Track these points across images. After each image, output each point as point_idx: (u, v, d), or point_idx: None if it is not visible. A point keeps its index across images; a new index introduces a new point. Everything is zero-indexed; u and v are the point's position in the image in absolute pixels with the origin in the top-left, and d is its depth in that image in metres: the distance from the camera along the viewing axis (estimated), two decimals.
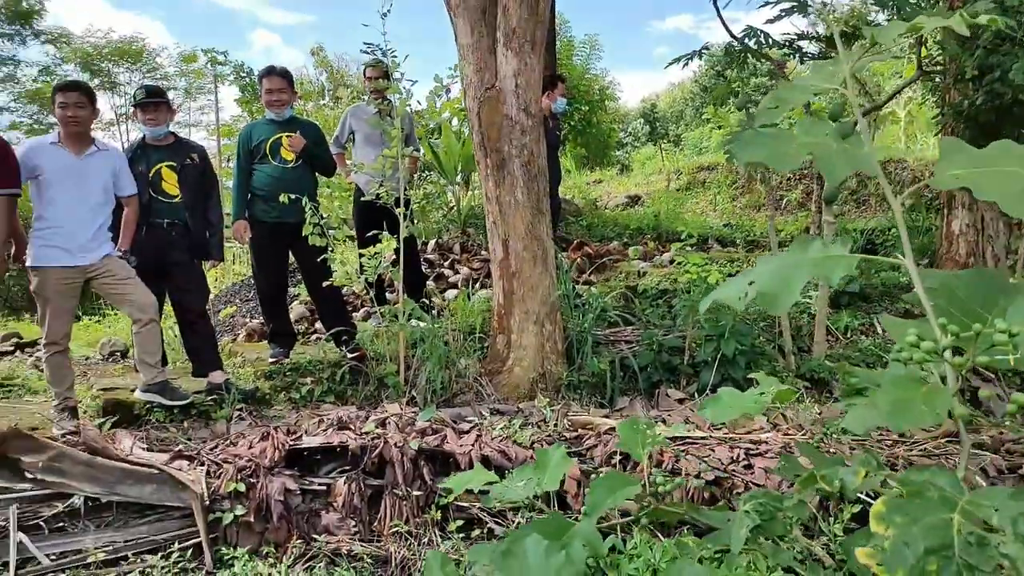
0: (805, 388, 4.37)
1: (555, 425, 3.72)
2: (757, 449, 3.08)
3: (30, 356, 6.59)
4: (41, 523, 2.78)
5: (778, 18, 5.26)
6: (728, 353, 4.32)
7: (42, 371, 4.56)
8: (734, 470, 2.90)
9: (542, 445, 3.40)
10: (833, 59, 1.13)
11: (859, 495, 2.33)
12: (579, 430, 3.63)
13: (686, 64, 5.59)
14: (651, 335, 4.76)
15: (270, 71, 4.86)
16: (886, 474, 1.22)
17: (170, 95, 4.55)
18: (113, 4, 52.80)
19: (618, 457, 3.26)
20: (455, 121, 9.40)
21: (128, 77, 22.51)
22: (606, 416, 3.88)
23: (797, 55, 5.37)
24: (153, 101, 4.37)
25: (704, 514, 1.28)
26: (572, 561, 1.02)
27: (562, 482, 3.00)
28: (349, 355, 4.90)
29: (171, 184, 4.35)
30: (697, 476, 2.83)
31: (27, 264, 3.86)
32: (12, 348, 7.13)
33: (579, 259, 7.29)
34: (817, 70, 1.01)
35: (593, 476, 3.19)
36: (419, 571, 2.74)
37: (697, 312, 4.60)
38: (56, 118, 3.96)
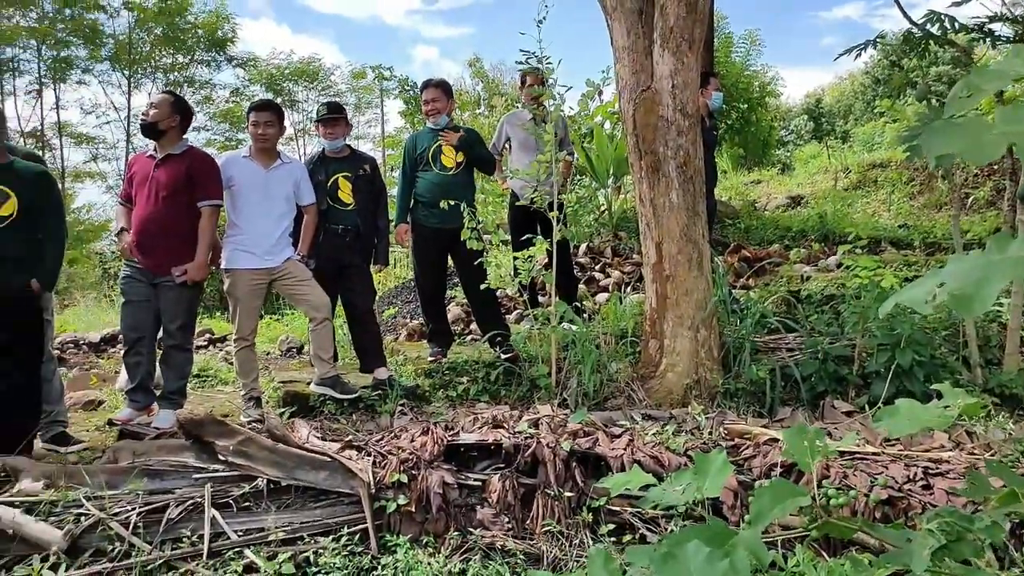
0: (994, 404, 3.95)
1: (710, 433, 3.62)
2: (937, 468, 2.83)
3: (220, 350, 7.32)
4: (230, 501, 3.06)
5: (966, 0, 4.81)
6: (904, 364, 3.99)
7: (232, 364, 5.05)
8: (910, 489, 2.69)
9: (696, 452, 3.32)
10: None
11: None
12: (736, 439, 3.51)
13: (858, 55, 5.23)
14: (816, 343, 4.49)
15: (427, 83, 5.14)
16: None
17: (345, 109, 4.90)
18: (292, 29, 57.43)
19: (779, 470, 3.12)
20: (607, 125, 9.37)
21: (305, 95, 24.40)
22: (765, 426, 3.72)
23: (988, 39, 4.87)
24: (333, 116, 4.73)
25: (880, 531, 1.20)
26: (736, 570, 1.00)
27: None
28: (503, 356, 5.03)
29: (346, 193, 4.67)
30: (868, 494, 2.64)
31: (221, 266, 4.31)
32: (206, 343, 7.94)
33: (736, 263, 7.03)
34: (1019, 52, 0.92)
35: (755, 487, 3.07)
36: (570, 570, 2.76)
37: (868, 319, 4.29)
38: (248, 134, 4.38)
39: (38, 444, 3.82)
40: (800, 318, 4.95)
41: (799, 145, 20.87)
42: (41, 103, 20.01)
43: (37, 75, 19.51)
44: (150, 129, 4.01)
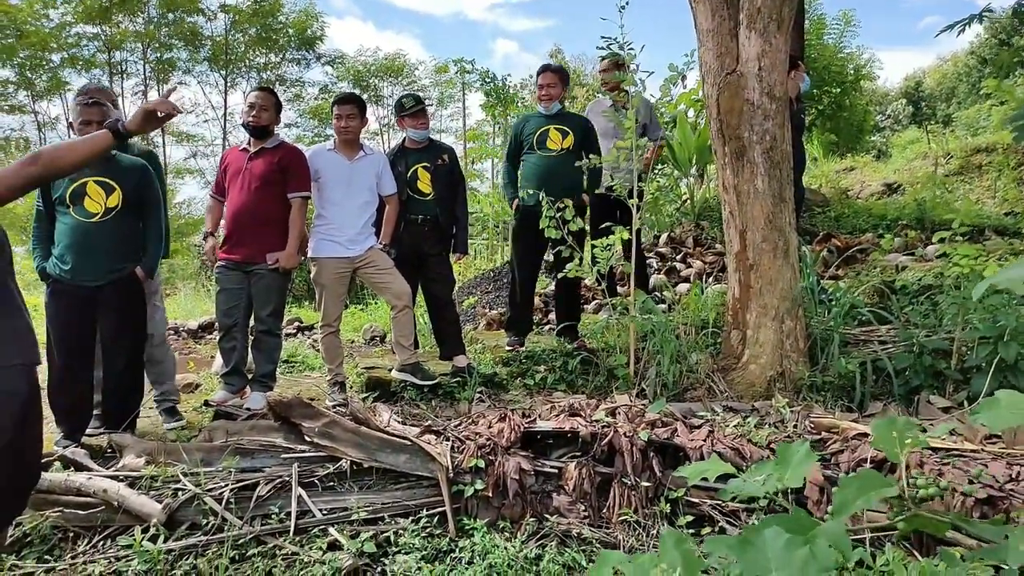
0: None
1: (794, 427, 3.50)
2: None
3: (308, 338, 7.59)
4: (316, 481, 3.18)
5: None
6: (1008, 358, 3.74)
7: (318, 350, 5.23)
8: (1012, 489, 2.52)
9: (780, 445, 3.22)
10: None
11: None
12: (823, 433, 3.38)
13: (961, 31, 4.95)
14: (911, 335, 4.27)
15: (545, 68, 5.19)
16: None
17: (425, 101, 4.99)
18: (376, 26, 58.74)
19: (868, 465, 2.98)
20: (691, 112, 9.17)
21: (390, 91, 24.95)
22: (855, 421, 3.57)
23: None
24: (421, 107, 4.82)
25: (975, 525, 1.13)
26: (817, 559, 0.96)
27: (802, 487, 2.83)
28: (571, 346, 5.01)
29: (425, 183, 4.75)
30: (965, 493, 2.50)
31: (308, 255, 4.47)
32: (294, 331, 8.26)
33: (825, 252, 6.76)
34: None
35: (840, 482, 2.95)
36: None
37: (968, 311, 4.05)
38: (332, 127, 4.52)
39: (145, 421, 4.08)
40: (894, 309, 4.71)
41: (896, 130, 19.87)
42: (145, 103, 21.17)
43: (143, 77, 20.67)
44: (260, 130, 4.17)
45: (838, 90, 12.83)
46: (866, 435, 3.22)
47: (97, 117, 3.66)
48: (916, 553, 2.43)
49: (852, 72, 13.64)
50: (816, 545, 0.98)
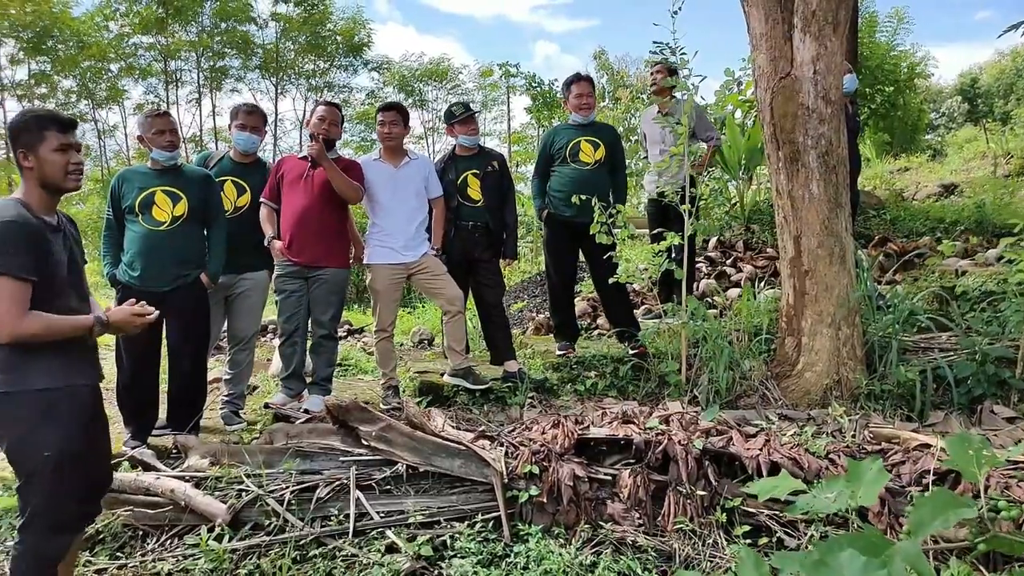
0: None
1: (853, 436, 3.45)
2: None
3: (358, 341, 7.71)
4: (373, 484, 3.24)
5: None
6: None
7: (370, 353, 5.32)
8: None
9: (839, 456, 3.18)
10: None
11: None
12: (882, 444, 3.32)
13: None
14: (973, 343, 4.16)
15: (578, 77, 5.15)
16: None
17: (472, 107, 5.04)
18: (417, 29, 59.25)
19: (931, 477, 2.93)
20: (739, 113, 9.05)
21: (435, 95, 25.20)
22: (915, 431, 3.49)
23: None
24: (471, 113, 4.88)
25: None
26: None
27: None
28: (631, 352, 5.00)
29: (475, 190, 4.79)
30: None
31: (364, 262, 4.56)
32: (345, 334, 8.39)
33: (881, 256, 6.61)
34: None
35: (908, 495, 2.90)
36: (707, 571, 2.73)
37: None
38: (376, 134, 4.61)
39: (206, 420, 4.22)
40: (954, 316, 4.59)
41: (952, 129, 19.29)
42: (200, 111, 21.79)
43: (196, 85, 21.26)
44: (327, 143, 4.27)
45: (891, 89, 12.53)
46: (928, 446, 3.16)
47: (168, 126, 3.91)
48: (983, 569, 2.37)
49: (905, 70, 13.30)
50: (893, 568, 0.98)
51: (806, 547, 2.75)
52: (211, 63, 20.86)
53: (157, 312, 2.54)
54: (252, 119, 4.38)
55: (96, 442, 2.46)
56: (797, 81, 4.16)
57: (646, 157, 5.86)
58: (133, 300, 2.57)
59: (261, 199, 4.38)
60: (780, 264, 4.59)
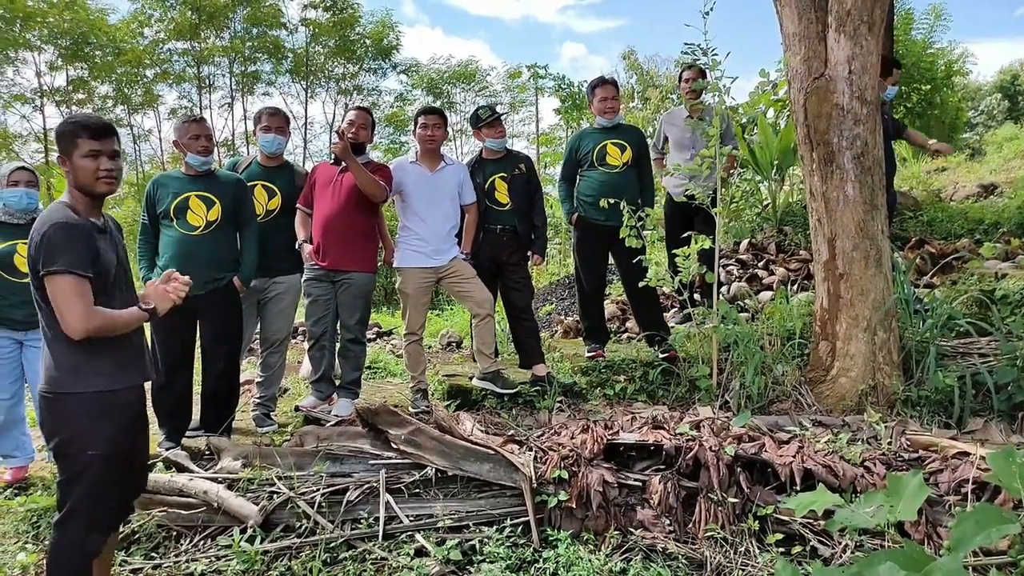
0: None
1: (889, 443, 3.38)
2: None
3: (387, 343, 7.76)
4: (402, 487, 3.25)
5: None
6: None
7: (399, 356, 5.34)
8: None
9: (874, 464, 3.11)
10: None
11: None
12: (920, 452, 3.25)
13: None
14: (1013, 348, 4.05)
15: (603, 81, 5.14)
16: None
17: (498, 110, 5.03)
18: (445, 31, 59.41)
19: (970, 486, 2.85)
20: (771, 113, 8.93)
21: (463, 97, 25.23)
22: (954, 438, 3.41)
23: None
24: (498, 116, 4.88)
25: None
26: None
27: None
28: (661, 356, 4.96)
29: (503, 193, 4.79)
30: None
31: (394, 265, 4.58)
32: (373, 336, 8.45)
33: (918, 259, 6.47)
34: None
35: (948, 506, 2.83)
36: None
37: None
38: (415, 137, 4.63)
39: (238, 422, 4.27)
40: (995, 320, 4.48)
41: (991, 127, 18.83)
42: (232, 115, 22.11)
43: (228, 89, 21.57)
44: (357, 147, 4.31)
45: (928, 87, 12.27)
46: (967, 454, 3.08)
47: (203, 131, 3.98)
48: None
49: (942, 68, 13.02)
50: None
51: (840, 556, 2.70)
52: (243, 68, 21.13)
53: (187, 277, 2.56)
54: (275, 120, 4.41)
55: (138, 441, 2.52)
56: (832, 81, 4.09)
57: (657, 157, 5.79)
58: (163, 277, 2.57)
59: (297, 205, 4.44)
60: (814, 267, 4.52)
